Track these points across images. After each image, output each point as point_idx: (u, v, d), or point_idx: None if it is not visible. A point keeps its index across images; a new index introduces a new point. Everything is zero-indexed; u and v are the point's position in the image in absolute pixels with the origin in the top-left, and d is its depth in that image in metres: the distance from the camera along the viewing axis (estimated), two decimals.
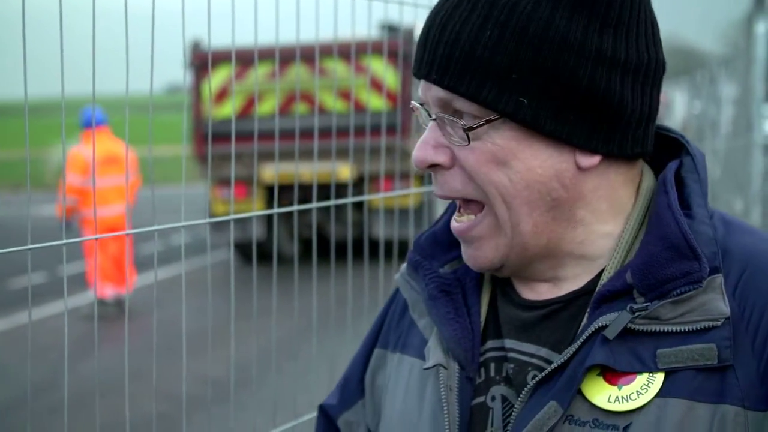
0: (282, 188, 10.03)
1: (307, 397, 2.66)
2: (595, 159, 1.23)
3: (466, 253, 1.32)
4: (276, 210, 2.52)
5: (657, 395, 1.17)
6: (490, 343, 1.34)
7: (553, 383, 1.22)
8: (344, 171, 11.18)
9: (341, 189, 10.85)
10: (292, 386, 2.84)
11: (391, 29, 11.59)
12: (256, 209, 10.22)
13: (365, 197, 3.07)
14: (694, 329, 1.18)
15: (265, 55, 8.85)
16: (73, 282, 11.44)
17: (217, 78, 12.36)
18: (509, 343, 1.32)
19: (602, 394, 1.19)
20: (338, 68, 10.05)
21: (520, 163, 1.22)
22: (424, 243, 1.45)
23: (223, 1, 2.46)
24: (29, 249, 1.87)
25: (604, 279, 1.26)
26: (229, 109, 12.29)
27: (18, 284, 12.92)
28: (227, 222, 2.47)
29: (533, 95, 1.19)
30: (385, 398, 1.47)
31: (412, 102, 1.33)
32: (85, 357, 8.19)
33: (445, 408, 1.31)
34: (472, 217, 1.28)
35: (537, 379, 1.23)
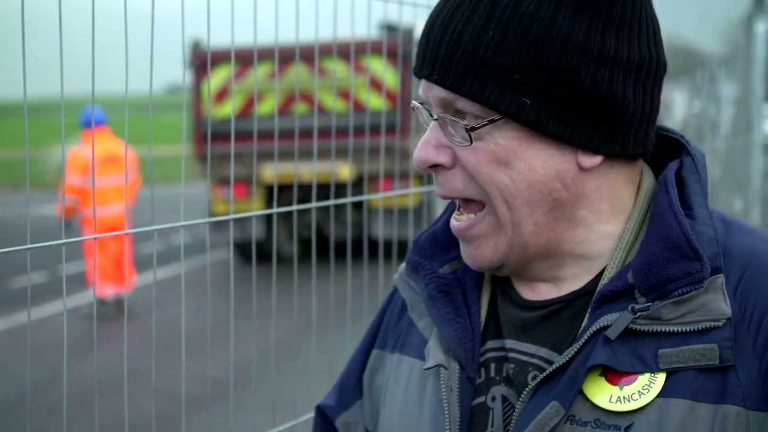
0: (282, 188, 10.02)
1: (306, 397, 2.66)
2: (597, 159, 1.23)
3: (465, 252, 1.31)
4: (275, 210, 2.52)
5: (659, 395, 1.17)
6: (490, 344, 1.34)
7: (555, 383, 1.22)
8: (344, 171, 11.19)
9: (341, 189, 10.87)
10: (292, 386, 2.83)
11: (390, 29, 11.59)
12: (256, 209, 10.22)
13: (364, 197, 3.07)
14: (696, 329, 1.18)
15: (265, 54, 8.86)
16: (73, 281, 11.45)
17: (217, 78, 12.36)
18: (509, 343, 1.32)
19: (604, 395, 1.19)
20: (338, 68, 10.05)
21: (522, 164, 1.22)
22: (423, 243, 1.44)
23: (223, 0, 2.46)
24: (29, 248, 1.87)
25: (605, 279, 1.26)
26: (229, 108, 12.29)
27: (18, 284, 12.92)
28: (227, 222, 2.47)
29: (536, 95, 1.19)
30: (384, 399, 1.47)
31: (413, 102, 1.33)
32: (84, 356, 8.19)
33: (445, 408, 1.31)
34: (472, 216, 1.28)
35: (538, 379, 1.23)
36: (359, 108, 10.63)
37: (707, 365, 1.16)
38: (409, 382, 1.41)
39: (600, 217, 1.28)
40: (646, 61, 1.23)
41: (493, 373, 1.32)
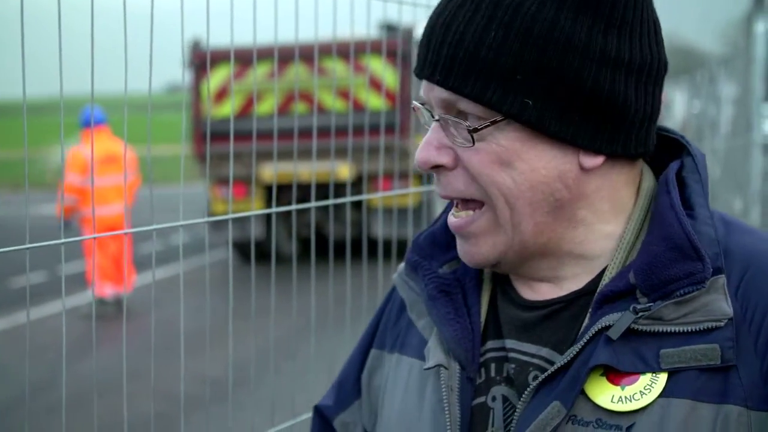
0: (281, 188, 10.02)
1: (305, 397, 2.66)
2: (599, 159, 1.23)
3: (462, 249, 1.31)
4: (274, 209, 2.52)
5: (660, 395, 1.17)
6: (490, 344, 1.34)
7: (556, 383, 1.21)
8: (343, 170, 11.19)
9: (340, 188, 10.87)
10: (291, 386, 2.83)
11: (390, 29, 11.60)
12: (255, 209, 10.20)
13: (364, 196, 3.07)
14: (697, 330, 1.18)
15: (265, 54, 8.85)
16: (73, 281, 11.45)
17: (217, 77, 12.36)
18: (510, 343, 1.31)
19: (605, 394, 1.19)
20: (337, 68, 10.04)
21: (525, 164, 1.22)
22: (422, 243, 1.44)
23: (222, 0, 2.46)
24: (28, 248, 1.87)
25: (606, 279, 1.26)
26: (228, 108, 12.29)
27: (18, 283, 12.92)
28: (226, 221, 2.47)
29: (538, 96, 1.19)
30: (383, 399, 1.46)
31: (414, 102, 1.32)
32: (84, 356, 8.18)
33: (446, 408, 1.31)
34: (470, 212, 1.28)
35: (540, 379, 1.23)
36: (359, 108, 10.63)
37: (709, 365, 1.16)
38: (409, 382, 1.41)
39: (600, 217, 1.28)
40: (647, 61, 1.23)
41: (493, 373, 1.32)
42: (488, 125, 1.21)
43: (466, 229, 1.29)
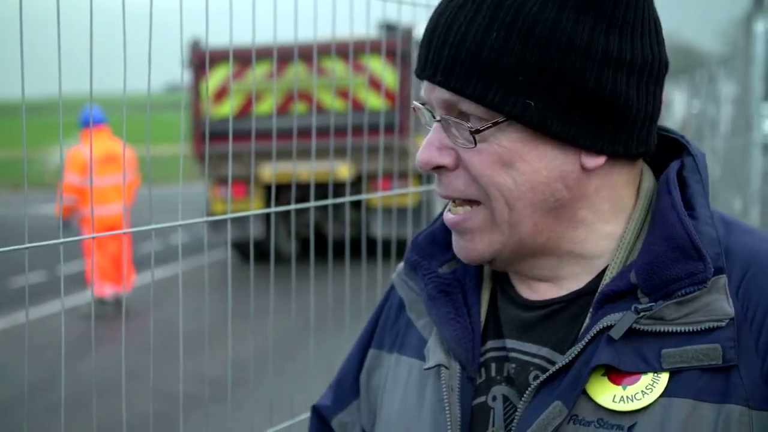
0: (281, 187, 10.02)
1: (304, 397, 2.66)
2: (601, 160, 1.23)
3: (458, 245, 1.31)
4: (273, 209, 2.52)
5: (662, 395, 1.17)
6: (490, 343, 1.34)
7: (557, 383, 1.21)
8: (342, 170, 11.19)
9: (339, 188, 10.87)
10: (290, 385, 2.83)
11: (389, 28, 11.59)
12: (255, 208, 10.20)
13: (363, 196, 3.07)
14: (699, 329, 1.18)
15: (264, 54, 8.85)
16: (72, 281, 11.45)
17: (216, 77, 12.35)
18: (510, 342, 1.31)
19: (607, 394, 1.19)
20: (337, 67, 10.04)
21: (526, 165, 1.22)
22: (422, 243, 1.44)
23: (222, 0, 2.46)
24: (27, 248, 1.87)
25: (606, 279, 1.26)
26: (227, 108, 12.28)
27: (17, 283, 12.92)
28: (225, 221, 2.46)
29: (540, 97, 1.19)
30: (381, 399, 1.46)
31: (414, 102, 1.32)
32: (84, 356, 8.18)
33: (447, 408, 1.30)
34: (468, 208, 1.28)
35: (541, 378, 1.23)
36: (358, 107, 10.62)
37: (710, 365, 1.16)
38: (408, 382, 1.40)
39: (601, 217, 1.28)
40: (648, 61, 1.23)
41: (493, 373, 1.32)
42: (490, 126, 1.21)
43: (463, 225, 1.29)
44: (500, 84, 1.19)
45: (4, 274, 12.94)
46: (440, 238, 1.43)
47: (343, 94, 11.14)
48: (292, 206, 2.65)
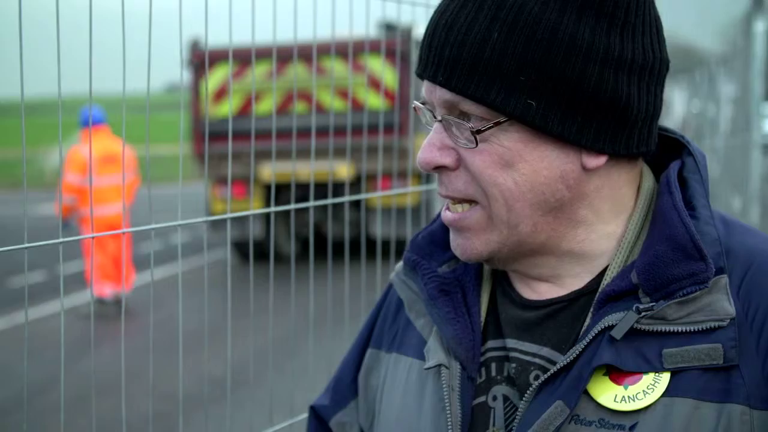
0: (281, 187, 10.02)
1: (304, 396, 2.66)
2: (602, 159, 1.23)
3: (455, 242, 1.31)
4: (273, 209, 2.52)
5: (663, 395, 1.17)
6: (490, 343, 1.34)
7: (558, 383, 1.21)
8: (342, 170, 11.19)
9: (339, 188, 10.86)
10: (290, 385, 2.83)
11: (389, 28, 11.59)
12: (254, 208, 10.18)
13: (363, 196, 3.07)
14: (700, 329, 1.18)
15: (263, 54, 8.85)
16: (72, 281, 11.45)
17: (216, 77, 12.35)
18: (511, 342, 1.31)
19: (608, 394, 1.19)
20: (336, 67, 10.04)
21: (527, 165, 1.22)
22: (421, 242, 1.44)
23: (221, 0, 2.46)
24: (26, 248, 1.87)
25: (607, 279, 1.26)
26: (227, 107, 12.27)
27: (17, 283, 12.92)
28: (225, 221, 2.47)
29: (542, 97, 1.18)
30: (380, 398, 1.46)
31: (415, 102, 1.32)
32: (84, 356, 8.19)
33: (447, 408, 1.30)
34: (467, 206, 1.28)
35: (542, 378, 1.23)
36: (358, 107, 10.62)
37: (711, 365, 1.16)
38: (408, 382, 1.40)
39: (601, 216, 1.28)
40: (650, 61, 1.23)
41: (494, 373, 1.32)
42: (491, 126, 1.21)
43: (460, 223, 1.29)
44: (502, 84, 1.18)
45: (4, 274, 12.95)
46: (439, 237, 1.42)
47: (343, 93, 11.14)
48: (292, 206, 2.65)
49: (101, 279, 10.76)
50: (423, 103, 1.29)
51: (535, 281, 1.32)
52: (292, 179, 2.57)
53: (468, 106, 1.21)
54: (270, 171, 11.52)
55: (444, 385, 1.31)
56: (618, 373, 1.20)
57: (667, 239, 1.21)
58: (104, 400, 6.52)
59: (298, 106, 11.32)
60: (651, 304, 1.19)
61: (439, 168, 1.27)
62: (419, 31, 8.52)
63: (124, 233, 2.06)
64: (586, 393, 1.20)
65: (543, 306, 1.30)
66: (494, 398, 1.31)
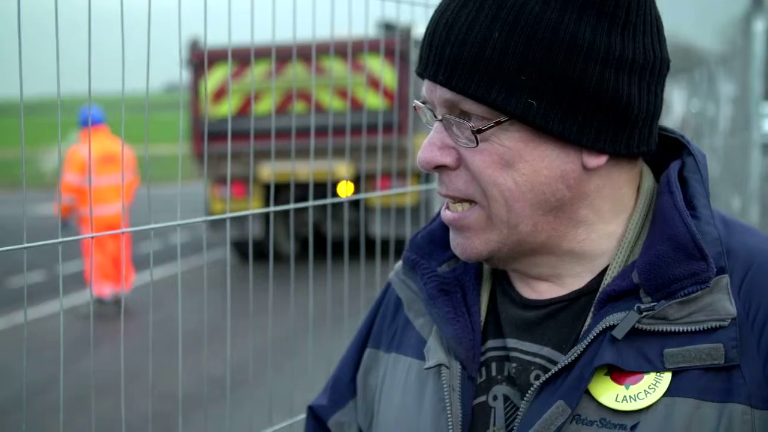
0: (280, 187, 10.02)
1: (303, 396, 2.66)
2: (602, 159, 1.23)
3: (455, 242, 1.31)
4: (272, 208, 2.52)
5: (664, 394, 1.17)
6: (490, 343, 1.34)
7: (560, 383, 1.21)
8: (341, 169, 11.18)
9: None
10: (289, 385, 2.83)
11: (388, 27, 11.59)
12: (254, 208, 10.19)
13: (362, 195, 3.07)
14: (701, 329, 1.18)
15: (263, 53, 8.85)
16: (72, 281, 11.45)
17: (215, 77, 12.34)
18: (511, 342, 1.31)
19: (609, 394, 1.19)
20: (335, 67, 10.04)
21: (527, 165, 1.22)
22: (420, 242, 1.44)
23: (221, 0, 2.46)
24: (25, 248, 1.86)
25: (608, 278, 1.26)
26: (227, 107, 12.28)
27: (17, 283, 12.92)
28: (225, 220, 2.46)
29: (542, 96, 1.18)
30: (379, 398, 1.46)
31: (415, 101, 1.32)
32: (83, 356, 8.19)
33: (448, 408, 1.30)
34: (467, 206, 1.28)
35: (544, 378, 1.23)
36: (357, 106, 10.62)
37: (713, 365, 1.16)
38: (407, 382, 1.40)
39: (601, 216, 1.28)
40: (650, 60, 1.23)
41: (494, 373, 1.32)
42: (492, 126, 1.21)
43: (460, 222, 1.28)
44: (503, 83, 1.18)
45: (3, 274, 12.94)
46: (439, 236, 1.42)
47: (342, 93, 11.14)
48: (291, 206, 2.65)
49: (101, 279, 10.76)
50: (423, 103, 1.29)
51: (535, 281, 1.32)
52: (291, 179, 2.57)
53: (469, 105, 1.21)
54: (269, 171, 11.52)
55: (444, 385, 1.31)
56: (619, 373, 1.19)
57: (668, 239, 1.21)
58: (103, 400, 6.52)
59: (297, 106, 11.33)
60: (652, 304, 1.19)
61: (440, 167, 1.27)
62: (418, 30, 8.52)
63: (123, 233, 2.06)
64: (588, 393, 1.20)
65: (543, 306, 1.30)
66: (494, 398, 1.31)
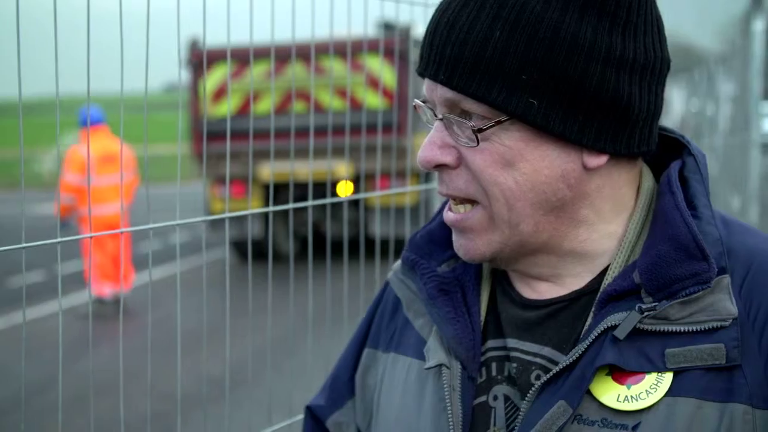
0: (279, 187, 10.02)
1: (302, 396, 2.66)
2: (603, 159, 1.23)
3: (458, 243, 1.31)
4: (271, 208, 2.51)
5: (666, 394, 1.17)
6: (491, 343, 1.34)
7: (561, 383, 1.21)
8: (341, 169, 11.18)
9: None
10: (288, 384, 2.83)
11: (387, 27, 11.59)
12: (253, 207, 10.20)
13: (362, 195, 3.07)
14: (703, 329, 1.18)
15: (262, 53, 8.85)
16: (72, 280, 11.44)
17: (215, 76, 12.34)
18: (511, 342, 1.31)
19: (611, 394, 1.19)
20: (335, 66, 10.04)
21: (528, 165, 1.22)
22: (419, 241, 1.44)
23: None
24: (24, 248, 1.86)
25: (608, 278, 1.26)
26: (226, 107, 12.27)
27: (16, 283, 12.92)
28: (224, 220, 2.46)
29: (543, 96, 1.18)
30: (378, 398, 1.46)
31: (416, 100, 1.32)
32: (82, 356, 8.18)
33: (448, 408, 1.30)
34: (469, 207, 1.28)
35: (545, 378, 1.23)
36: (356, 106, 10.62)
37: (714, 365, 1.16)
38: (407, 382, 1.40)
39: (602, 216, 1.28)
40: (651, 60, 1.23)
41: (494, 373, 1.32)
42: (493, 125, 1.21)
43: (463, 223, 1.28)
44: (504, 83, 1.18)
45: (2, 274, 12.94)
46: (438, 236, 1.42)
47: (342, 93, 11.14)
48: (291, 205, 2.65)
49: (100, 279, 10.76)
50: (424, 102, 1.29)
51: (536, 280, 1.32)
52: (290, 178, 2.57)
53: (469, 104, 1.21)
54: (269, 170, 11.50)
55: (445, 385, 1.31)
56: (621, 373, 1.19)
57: (669, 239, 1.21)
58: (103, 399, 6.51)
59: (297, 106, 11.33)
60: (654, 304, 1.19)
61: (440, 166, 1.27)
62: (418, 30, 8.52)
63: (122, 233, 2.05)
64: (589, 393, 1.20)
65: (543, 306, 1.30)
66: (495, 398, 1.30)
